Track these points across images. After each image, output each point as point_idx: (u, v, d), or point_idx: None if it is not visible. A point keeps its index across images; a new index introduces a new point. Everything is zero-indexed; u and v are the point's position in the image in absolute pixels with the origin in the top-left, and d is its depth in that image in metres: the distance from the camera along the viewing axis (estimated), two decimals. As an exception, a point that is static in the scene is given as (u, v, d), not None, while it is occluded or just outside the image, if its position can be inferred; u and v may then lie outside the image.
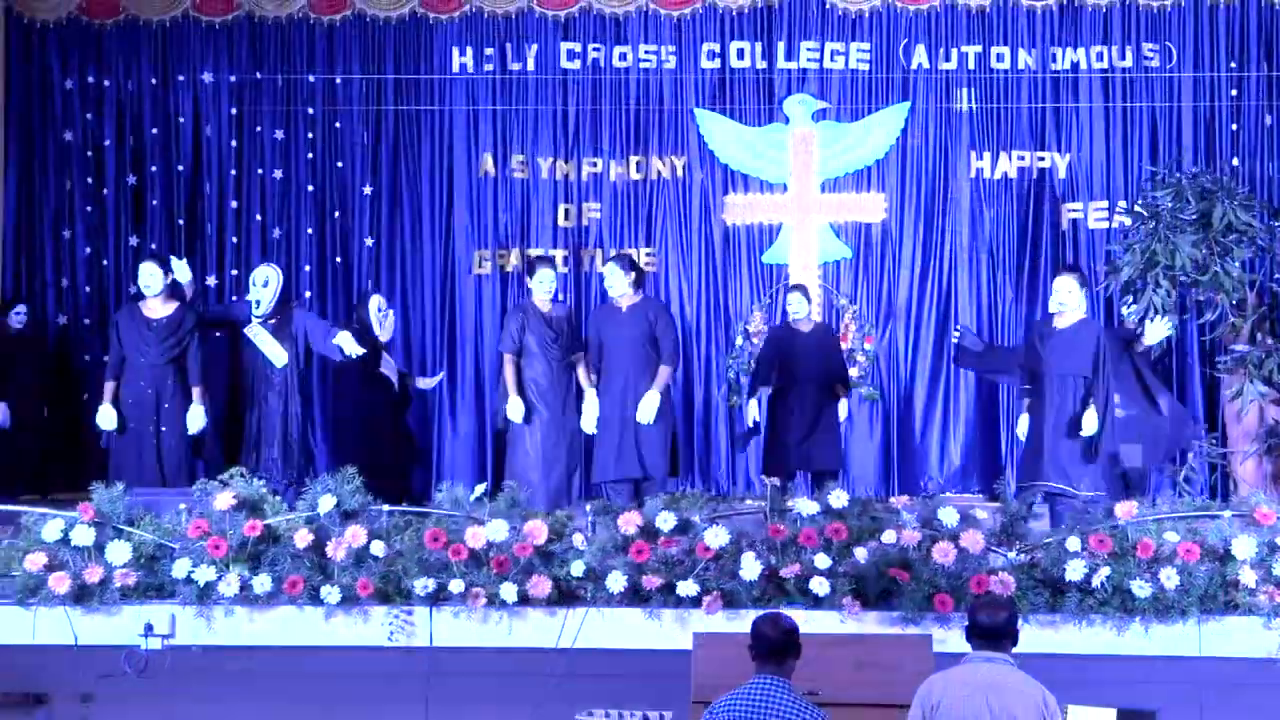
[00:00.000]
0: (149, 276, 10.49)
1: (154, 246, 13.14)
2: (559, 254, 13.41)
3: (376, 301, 11.76)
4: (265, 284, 10.84)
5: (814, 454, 11.47)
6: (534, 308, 10.72)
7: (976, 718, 5.93)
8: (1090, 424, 9.99)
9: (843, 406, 11.78)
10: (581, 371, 10.76)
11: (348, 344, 10.61)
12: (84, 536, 8.11)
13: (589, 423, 10.66)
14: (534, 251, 13.49)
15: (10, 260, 13.55)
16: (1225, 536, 7.88)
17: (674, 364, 10.85)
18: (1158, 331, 11.13)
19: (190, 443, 10.45)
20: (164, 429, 10.33)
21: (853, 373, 12.86)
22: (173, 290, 10.58)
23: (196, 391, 10.35)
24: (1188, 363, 12.82)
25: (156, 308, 10.47)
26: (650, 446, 10.48)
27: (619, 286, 10.72)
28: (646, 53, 13.59)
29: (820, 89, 13.48)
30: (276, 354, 10.63)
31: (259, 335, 10.61)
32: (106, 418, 10.32)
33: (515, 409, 10.50)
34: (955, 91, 13.39)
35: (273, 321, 10.75)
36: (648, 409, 10.39)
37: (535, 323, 10.63)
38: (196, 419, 10.30)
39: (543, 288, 10.76)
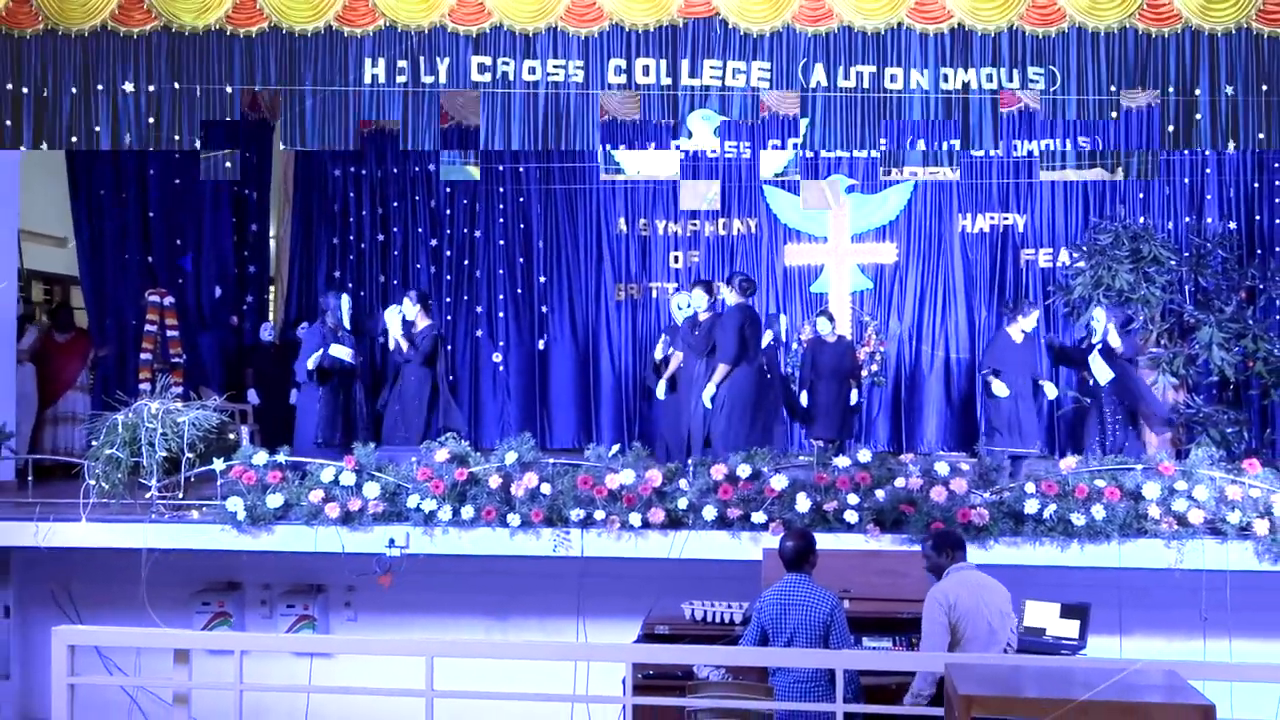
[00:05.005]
0: (342, 307, 10.39)
1: (395, 282, 13.32)
2: (670, 286, 13.44)
3: None
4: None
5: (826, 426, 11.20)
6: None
7: (979, 609, 6.00)
8: None
9: (853, 394, 11.33)
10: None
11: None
12: (348, 479, 8.20)
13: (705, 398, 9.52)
14: (654, 285, 13.57)
15: (296, 293, 13.75)
16: (1138, 483, 7.78)
17: (730, 362, 9.27)
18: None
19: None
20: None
21: (873, 369, 12.80)
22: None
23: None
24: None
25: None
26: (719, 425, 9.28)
27: (698, 304, 9.77)
28: (730, 148, 13.51)
29: (850, 172, 13.34)
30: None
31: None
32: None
33: (661, 388, 10.20)
34: (946, 172, 13.21)
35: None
36: (709, 397, 9.34)
37: (684, 328, 9.89)
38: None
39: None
